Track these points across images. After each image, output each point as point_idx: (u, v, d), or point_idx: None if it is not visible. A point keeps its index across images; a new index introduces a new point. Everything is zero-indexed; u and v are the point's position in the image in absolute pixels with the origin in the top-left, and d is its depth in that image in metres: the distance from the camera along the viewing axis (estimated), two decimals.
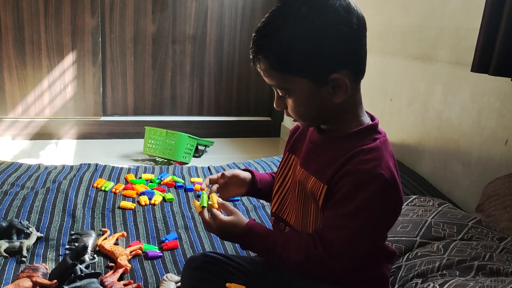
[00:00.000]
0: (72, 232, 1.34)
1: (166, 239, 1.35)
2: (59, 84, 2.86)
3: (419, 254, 1.18)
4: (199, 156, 2.75)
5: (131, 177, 1.73)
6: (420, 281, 1.05)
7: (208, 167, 1.97)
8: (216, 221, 0.93)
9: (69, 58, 2.83)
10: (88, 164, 1.84)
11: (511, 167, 1.50)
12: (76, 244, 1.25)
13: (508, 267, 1.01)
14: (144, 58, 3.00)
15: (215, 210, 0.94)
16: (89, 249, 1.24)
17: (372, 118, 0.92)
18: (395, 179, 0.83)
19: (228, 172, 1.03)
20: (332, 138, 0.89)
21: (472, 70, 1.46)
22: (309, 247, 0.84)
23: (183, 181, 1.74)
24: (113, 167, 1.83)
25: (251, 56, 0.86)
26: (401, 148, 2.01)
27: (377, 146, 0.85)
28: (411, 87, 1.96)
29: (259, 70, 0.86)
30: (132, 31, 2.93)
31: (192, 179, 1.78)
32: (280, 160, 1.06)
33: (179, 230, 1.41)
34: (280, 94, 0.87)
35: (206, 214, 0.94)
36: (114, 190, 1.62)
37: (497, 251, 1.14)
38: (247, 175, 1.06)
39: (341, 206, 0.82)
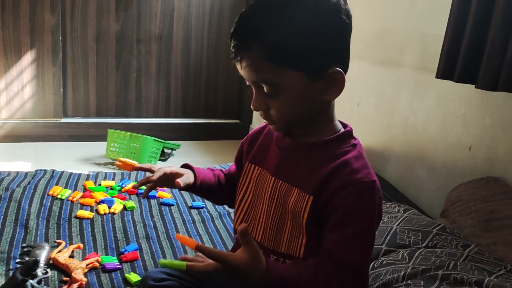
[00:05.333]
0: (24, 245, 1.26)
1: (125, 250, 1.29)
2: (17, 84, 2.73)
3: (384, 262, 1.17)
4: (165, 160, 2.68)
5: (89, 184, 1.66)
6: None
7: None
8: (228, 263, 0.73)
9: (28, 57, 2.71)
10: (44, 170, 1.75)
11: (475, 173, 1.51)
12: (27, 258, 1.17)
13: (471, 276, 1.01)
14: (107, 58, 2.90)
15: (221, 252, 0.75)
16: (42, 262, 1.17)
17: (344, 124, 0.89)
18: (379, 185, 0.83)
19: (168, 170, 0.93)
20: (309, 145, 0.85)
21: (437, 77, 1.47)
22: (341, 280, 0.77)
23: (145, 188, 1.68)
24: (71, 173, 1.75)
25: (234, 46, 0.76)
26: (368, 153, 2.00)
27: (360, 153, 0.83)
28: (378, 92, 1.96)
29: (243, 63, 0.76)
30: (94, 30, 2.83)
31: None
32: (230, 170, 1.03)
33: (140, 241, 1.35)
34: (265, 91, 0.78)
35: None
36: (71, 198, 1.54)
37: (461, 259, 1.14)
38: (187, 171, 0.97)
39: (349, 224, 0.78)
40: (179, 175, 0.92)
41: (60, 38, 2.75)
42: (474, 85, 1.36)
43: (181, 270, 0.75)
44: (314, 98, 0.79)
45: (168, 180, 0.92)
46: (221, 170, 1.07)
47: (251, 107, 0.83)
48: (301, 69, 0.76)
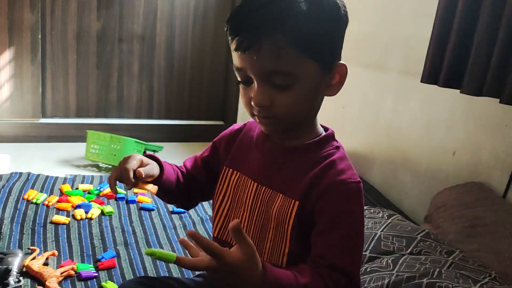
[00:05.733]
0: None
1: (102, 257, 1.25)
2: None
3: (368, 269, 1.15)
4: None
5: (66, 188, 1.61)
6: None
7: None
8: (223, 259, 0.65)
9: (5, 56, 2.63)
10: (20, 173, 1.69)
11: (459, 178, 1.51)
12: (0, 265, 1.13)
13: (456, 284, 1.00)
14: (88, 57, 2.83)
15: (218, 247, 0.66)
16: (15, 270, 1.13)
17: (325, 128, 0.87)
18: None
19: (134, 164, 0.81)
20: (292, 148, 0.83)
21: (422, 81, 1.46)
22: (337, 284, 0.74)
23: (125, 192, 1.63)
24: (47, 176, 1.70)
25: (251, 33, 0.71)
26: (353, 156, 1.99)
27: (344, 154, 0.82)
28: (363, 95, 1.94)
29: (262, 51, 0.71)
30: (75, 28, 2.76)
31: (136, 190, 1.68)
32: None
33: (117, 247, 1.30)
34: (278, 82, 0.74)
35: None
36: (46, 202, 1.49)
37: (445, 267, 1.13)
38: (151, 162, 0.86)
39: (339, 226, 0.76)
40: (143, 165, 0.82)
41: (40, 36, 2.67)
42: (459, 90, 1.35)
43: (170, 262, 0.66)
44: (319, 93, 0.79)
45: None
46: (180, 168, 0.96)
47: (247, 104, 0.78)
48: (317, 59, 0.75)
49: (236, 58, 0.76)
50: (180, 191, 0.92)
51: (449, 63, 1.34)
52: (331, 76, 0.79)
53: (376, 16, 1.89)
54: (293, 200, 0.79)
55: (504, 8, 1.20)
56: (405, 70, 1.73)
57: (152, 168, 0.83)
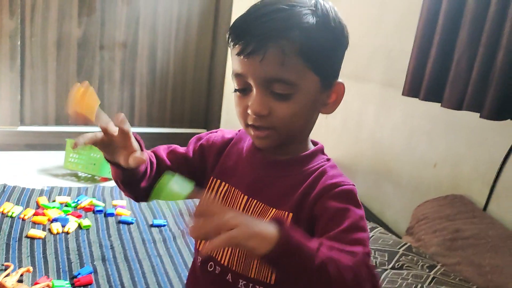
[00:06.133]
0: None
1: (79, 273, 1.21)
2: None
3: None
4: None
5: (43, 200, 1.56)
6: None
7: None
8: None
9: None
10: None
11: (440, 190, 1.51)
12: None
13: None
14: (68, 64, 2.78)
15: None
16: None
17: (313, 142, 0.86)
18: None
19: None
20: (284, 162, 0.81)
21: (403, 94, 1.47)
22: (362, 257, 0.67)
23: (103, 205, 1.60)
24: (23, 188, 1.65)
25: (258, 37, 0.70)
26: None
27: (334, 164, 0.82)
28: (346, 105, 1.94)
29: (268, 56, 0.70)
30: (55, 35, 2.71)
31: (114, 202, 1.64)
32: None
33: (95, 263, 1.27)
34: (278, 91, 0.72)
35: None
36: (22, 216, 1.44)
37: (427, 282, 1.13)
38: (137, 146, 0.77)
39: (338, 222, 0.72)
40: (130, 149, 0.72)
41: (19, 43, 2.62)
42: (440, 104, 1.36)
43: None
44: (316, 109, 0.78)
45: (113, 145, 0.72)
46: (150, 156, 0.85)
47: (242, 112, 0.75)
48: (319, 73, 0.74)
49: (237, 64, 0.74)
50: (146, 180, 0.82)
51: (430, 77, 1.35)
52: (328, 94, 0.78)
53: (359, 28, 1.89)
54: (287, 212, 0.77)
55: (484, 24, 1.21)
56: (388, 82, 1.73)
57: (143, 154, 0.74)
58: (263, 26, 0.71)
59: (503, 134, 1.32)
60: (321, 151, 0.84)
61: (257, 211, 0.80)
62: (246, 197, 0.81)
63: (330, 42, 0.75)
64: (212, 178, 0.86)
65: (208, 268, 0.84)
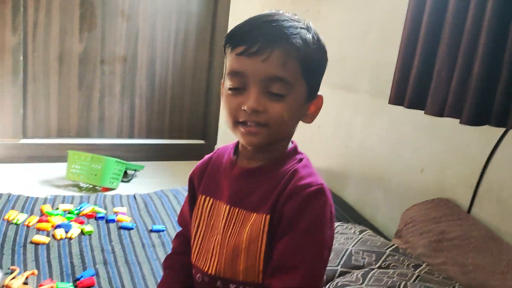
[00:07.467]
0: None
1: (81, 276, 1.27)
2: None
3: (339, 284, 1.19)
4: (128, 181, 2.65)
5: (47, 208, 1.62)
6: None
7: (134, 195, 1.90)
8: None
9: None
10: (0, 194, 1.70)
11: (426, 194, 1.57)
12: None
13: None
14: (69, 78, 2.86)
15: None
16: None
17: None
18: (329, 191, 0.84)
19: None
20: (258, 169, 0.86)
21: (389, 102, 1.54)
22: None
23: (104, 211, 1.66)
24: (28, 197, 1.71)
25: (266, 36, 0.77)
26: (328, 174, 2.06)
27: (306, 163, 0.86)
28: (337, 115, 2.02)
29: (272, 56, 0.77)
30: (57, 50, 2.80)
31: (115, 209, 1.71)
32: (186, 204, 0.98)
33: (97, 266, 1.33)
34: (275, 91, 0.79)
35: None
36: (26, 223, 1.51)
37: (411, 280, 1.18)
38: None
39: (294, 226, 0.78)
40: None
41: (21, 58, 2.70)
42: (423, 111, 1.43)
43: None
44: (300, 117, 0.85)
45: None
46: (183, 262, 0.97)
47: (235, 109, 0.80)
48: (308, 82, 0.82)
49: (236, 63, 0.79)
50: None
51: (414, 86, 1.43)
52: (308, 106, 0.85)
53: (347, 42, 1.98)
54: (264, 215, 0.81)
55: (461, 37, 1.29)
56: (375, 91, 1.81)
57: None
58: (271, 29, 0.78)
59: (484, 139, 1.39)
60: (294, 152, 0.88)
61: (240, 218, 0.85)
62: (228, 206, 0.86)
63: (320, 56, 0.84)
64: (199, 196, 0.92)
65: (197, 279, 0.89)
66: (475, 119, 1.27)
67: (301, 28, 0.81)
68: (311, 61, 0.81)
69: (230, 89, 0.81)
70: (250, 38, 0.78)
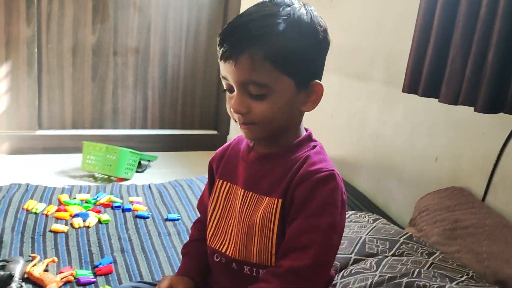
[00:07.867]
0: None
1: (100, 263, 1.30)
2: None
3: (353, 271, 1.21)
4: (142, 171, 2.68)
5: (64, 197, 1.66)
6: None
7: (149, 185, 1.93)
8: None
9: (2, 70, 2.68)
10: (19, 184, 1.74)
11: (441, 183, 1.57)
12: (2, 272, 1.18)
13: (433, 283, 1.06)
14: (83, 70, 2.90)
15: None
16: (17, 277, 1.17)
17: (305, 129, 0.93)
18: (340, 178, 0.85)
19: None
20: (273, 155, 0.89)
21: (403, 91, 1.53)
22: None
23: (121, 201, 1.69)
24: (46, 187, 1.75)
25: (231, 44, 0.79)
26: (341, 163, 2.06)
27: (319, 150, 0.88)
28: (350, 104, 2.02)
29: (240, 62, 0.79)
30: (70, 42, 2.83)
31: (131, 199, 1.73)
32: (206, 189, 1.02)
33: (114, 254, 1.36)
34: (252, 92, 0.81)
35: None
36: (45, 212, 1.54)
37: (425, 267, 1.19)
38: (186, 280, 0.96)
39: (304, 209, 0.81)
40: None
41: (36, 50, 2.74)
42: (437, 99, 1.43)
43: None
44: (295, 107, 0.85)
45: None
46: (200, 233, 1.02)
47: (230, 110, 0.85)
48: (292, 76, 0.81)
49: (221, 67, 0.83)
50: None
51: (428, 75, 1.42)
52: (307, 94, 0.85)
53: (361, 30, 1.97)
54: (276, 199, 0.84)
55: (475, 24, 1.28)
56: (389, 80, 1.80)
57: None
58: (240, 33, 0.80)
59: (498, 128, 1.38)
60: (308, 139, 0.90)
61: (253, 202, 0.88)
62: (243, 190, 0.90)
63: (300, 47, 0.81)
64: (217, 180, 0.96)
65: (215, 259, 0.93)
66: (490, 107, 1.26)
67: (275, 23, 0.79)
68: (286, 55, 0.80)
69: (224, 90, 0.86)
70: (223, 42, 0.80)
